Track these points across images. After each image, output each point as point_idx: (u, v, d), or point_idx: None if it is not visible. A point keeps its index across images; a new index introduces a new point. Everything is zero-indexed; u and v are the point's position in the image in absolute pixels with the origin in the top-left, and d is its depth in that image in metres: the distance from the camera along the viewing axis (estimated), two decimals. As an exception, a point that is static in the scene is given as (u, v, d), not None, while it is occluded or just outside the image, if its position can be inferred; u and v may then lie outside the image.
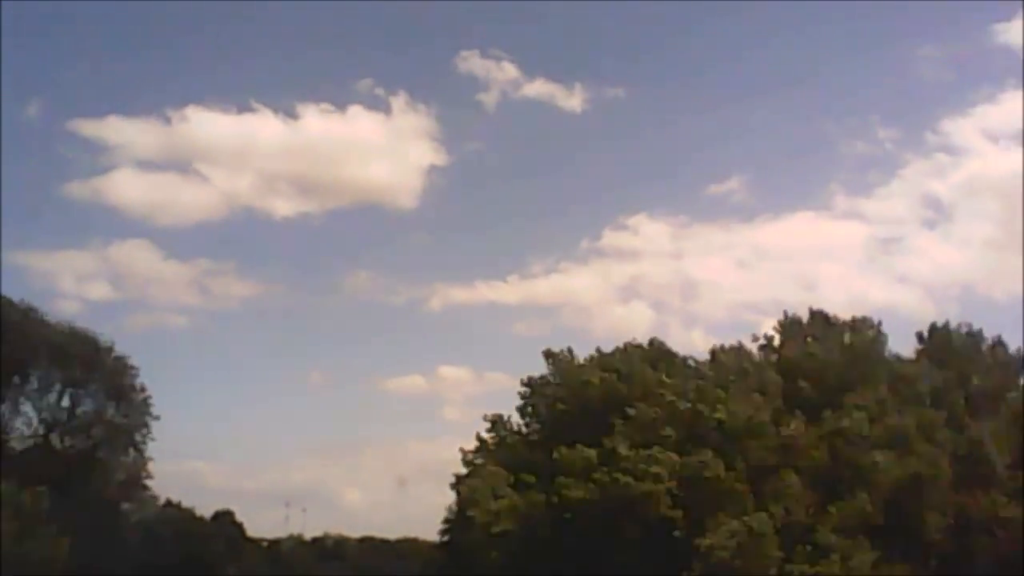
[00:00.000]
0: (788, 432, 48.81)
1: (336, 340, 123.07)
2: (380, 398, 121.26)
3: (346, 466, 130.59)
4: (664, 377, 51.95)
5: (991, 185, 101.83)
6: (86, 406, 62.49)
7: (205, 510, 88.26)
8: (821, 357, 53.26)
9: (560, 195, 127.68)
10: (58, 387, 61.14)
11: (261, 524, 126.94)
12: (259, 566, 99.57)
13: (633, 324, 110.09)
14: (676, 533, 45.55)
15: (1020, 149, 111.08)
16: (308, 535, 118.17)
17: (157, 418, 63.44)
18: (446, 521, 58.14)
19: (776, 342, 56.73)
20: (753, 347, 56.88)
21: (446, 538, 58.40)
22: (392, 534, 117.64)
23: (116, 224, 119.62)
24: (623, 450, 47.37)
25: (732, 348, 56.66)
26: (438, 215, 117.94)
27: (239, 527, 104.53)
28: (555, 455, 49.56)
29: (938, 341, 58.35)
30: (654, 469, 46.13)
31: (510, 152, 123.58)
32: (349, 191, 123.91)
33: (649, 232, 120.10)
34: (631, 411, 49.66)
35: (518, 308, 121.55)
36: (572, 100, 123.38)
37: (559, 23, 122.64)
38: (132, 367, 63.14)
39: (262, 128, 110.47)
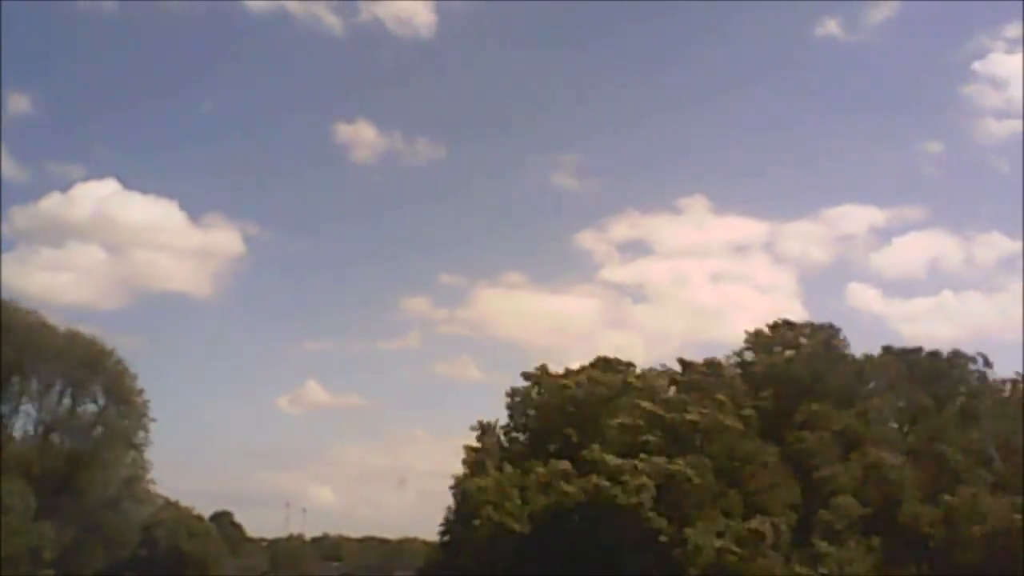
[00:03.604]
0: (751, 450, 49.40)
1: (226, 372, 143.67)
2: (281, 413, 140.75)
3: (310, 470, 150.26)
4: (635, 382, 53.09)
5: (652, 279, 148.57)
6: (86, 407, 62.82)
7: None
8: (784, 367, 54.13)
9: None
10: (59, 388, 61.40)
11: (261, 524, 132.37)
12: (259, 565, 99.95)
13: (468, 374, 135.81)
14: (662, 538, 45.73)
15: (641, 258, 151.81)
16: (308, 535, 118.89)
17: (154, 420, 63.77)
18: (445, 522, 58.30)
19: (747, 356, 57.59)
20: (722, 359, 57.73)
21: (446, 538, 58.45)
22: (392, 534, 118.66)
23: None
24: (609, 459, 47.90)
25: (706, 361, 57.35)
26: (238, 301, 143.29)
27: (238, 527, 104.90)
28: (531, 473, 50.49)
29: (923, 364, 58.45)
30: (638, 481, 46.64)
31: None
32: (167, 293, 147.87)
33: (418, 306, 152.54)
34: (611, 422, 50.56)
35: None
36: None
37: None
38: (131, 370, 63.49)
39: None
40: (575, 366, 59.52)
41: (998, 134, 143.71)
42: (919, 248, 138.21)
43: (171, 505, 79.54)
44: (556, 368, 60.09)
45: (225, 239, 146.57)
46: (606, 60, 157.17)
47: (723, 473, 48.28)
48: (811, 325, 59.03)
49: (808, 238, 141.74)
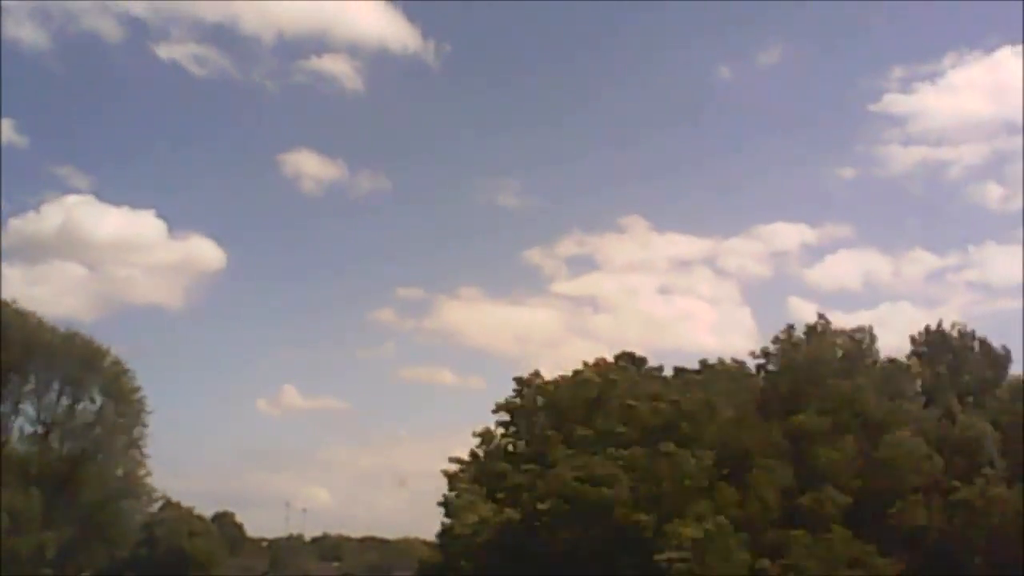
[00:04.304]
0: (751, 436, 49.32)
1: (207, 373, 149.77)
2: (260, 415, 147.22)
3: (306, 471, 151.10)
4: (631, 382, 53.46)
5: (603, 292, 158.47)
6: (85, 407, 62.95)
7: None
8: (805, 362, 53.95)
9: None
10: (57, 388, 61.53)
11: (262, 524, 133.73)
12: (259, 565, 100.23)
13: (442, 378, 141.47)
14: (645, 535, 45.68)
15: (590, 272, 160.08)
16: (308, 535, 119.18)
17: (150, 413, 63.95)
18: (441, 526, 59.04)
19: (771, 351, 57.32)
20: (748, 359, 57.54)
21: (443, 539, 59.05)
22: (391, 534, 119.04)
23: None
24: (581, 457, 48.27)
25: (719, 361, 57.33)
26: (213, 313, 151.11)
27: (239, 527, 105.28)
28: (508, 480, 51.56)
29: (932, 341, 59.09)
30: (610, 471, 46.72)
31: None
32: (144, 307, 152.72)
33: (386, 318, 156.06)
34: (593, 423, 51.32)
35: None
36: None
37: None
38: (128, 369, 63.66)
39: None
40: (581, 365, 59.31)
41: (905, 160, 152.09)
42: (851, 264, 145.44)
43: (172, 505, 79.82)
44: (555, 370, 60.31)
45: (201, 256, 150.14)
46: (538, 95, 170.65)
47: (722, 464, 48.02)
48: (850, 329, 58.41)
49: (746, 254, 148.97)
